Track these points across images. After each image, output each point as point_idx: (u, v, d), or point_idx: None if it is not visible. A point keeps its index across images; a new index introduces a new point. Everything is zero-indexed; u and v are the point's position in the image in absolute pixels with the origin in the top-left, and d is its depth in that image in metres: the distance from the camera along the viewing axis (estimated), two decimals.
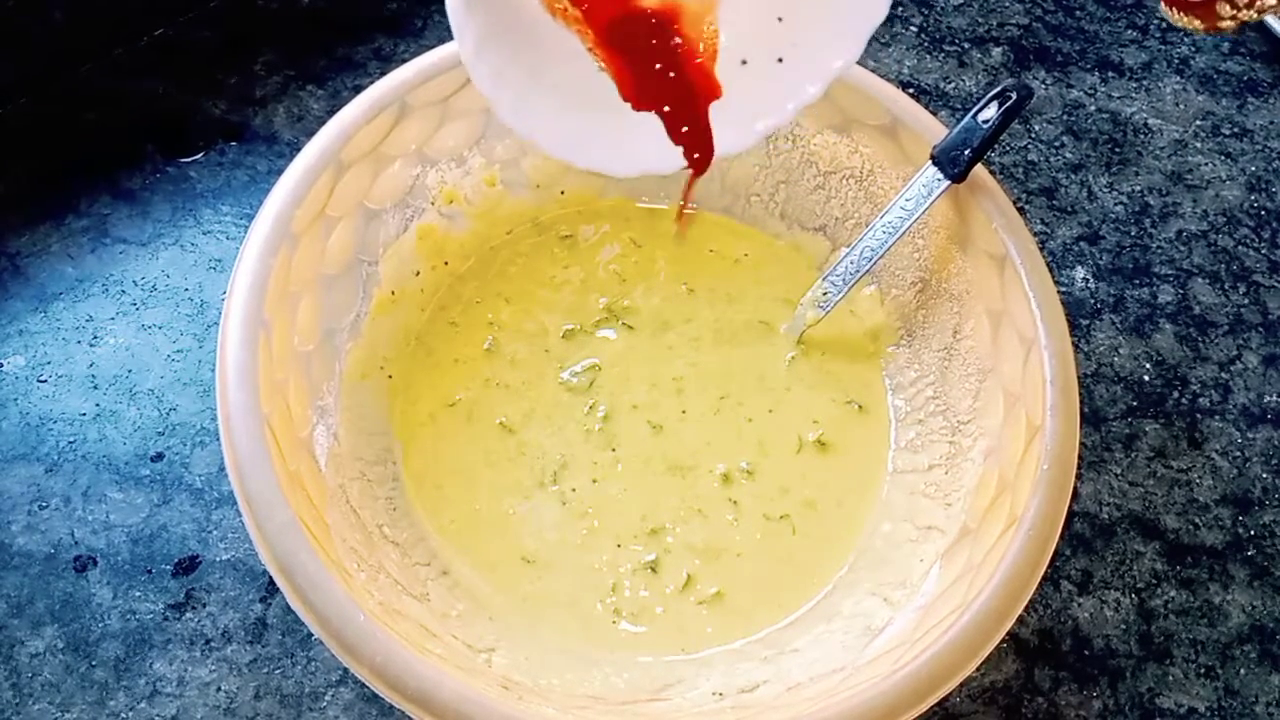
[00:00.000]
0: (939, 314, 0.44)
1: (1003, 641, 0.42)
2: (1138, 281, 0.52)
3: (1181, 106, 0.57)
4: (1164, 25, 0.60)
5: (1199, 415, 0.48)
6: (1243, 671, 0.43)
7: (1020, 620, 0.43)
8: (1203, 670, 0.43)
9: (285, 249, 0.38)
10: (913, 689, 0.32)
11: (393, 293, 0.45)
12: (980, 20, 0.59)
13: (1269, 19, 0.58)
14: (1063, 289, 0.51)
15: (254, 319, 0.36)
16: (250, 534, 0.33)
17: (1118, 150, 0.56)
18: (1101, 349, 0.50)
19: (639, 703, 0.37)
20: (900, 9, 0.59)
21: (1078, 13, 0.60)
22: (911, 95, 0.52)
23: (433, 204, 0.45)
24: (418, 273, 0.46)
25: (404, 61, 0.42)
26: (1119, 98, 0.57)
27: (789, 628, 0.41)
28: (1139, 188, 0.54)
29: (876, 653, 0.36)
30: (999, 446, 0.39)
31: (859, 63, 0.44)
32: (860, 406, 0.45)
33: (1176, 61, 0.59)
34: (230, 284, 0.37)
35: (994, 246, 0.41)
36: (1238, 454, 0.48)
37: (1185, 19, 0.34)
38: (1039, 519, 0.35)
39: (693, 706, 0.37)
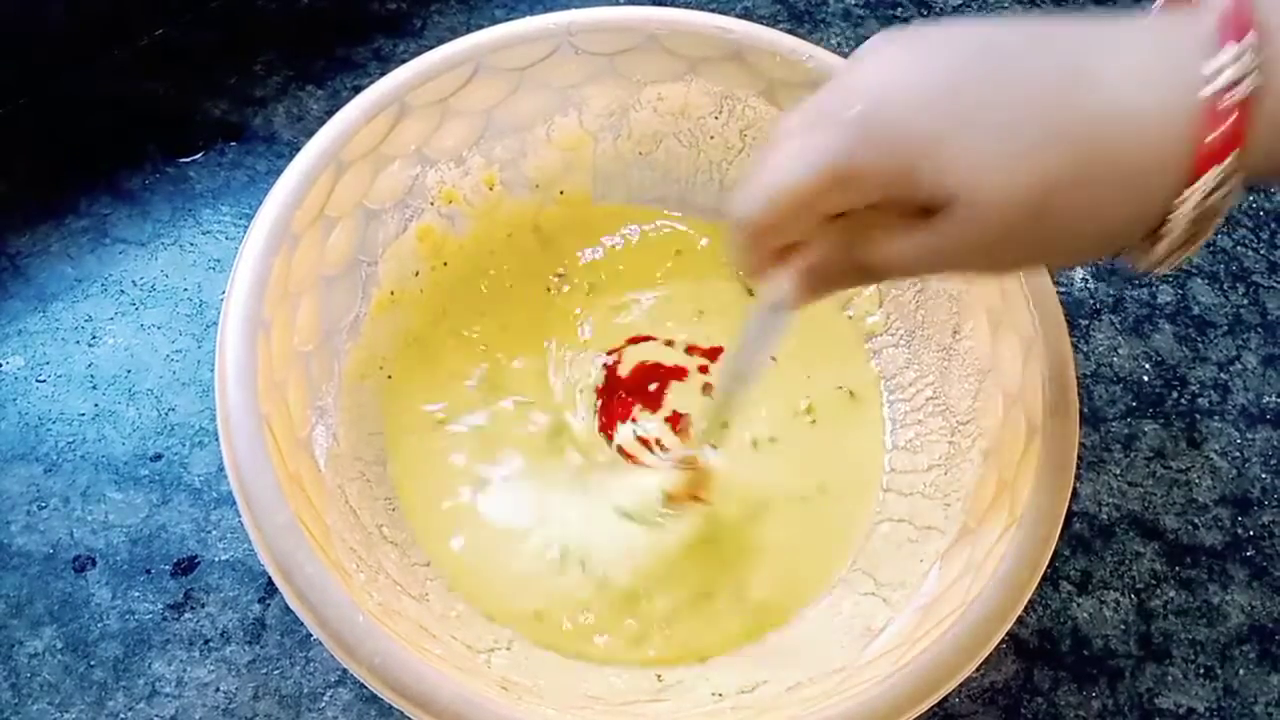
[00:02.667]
0: (938, 314, 0.44)
1: (1002, 642, 0.42)
2: (1137, 282, 0.52)
3: None
4: None
5: (1198, 415, 0.48)
6: (1242, 672, 0.43)
7: (1020, 620, 0.43)
8: (1202, 670, 0.43)
9: (285, 249, 0.38)
10: (913, 689, 0.32)
11: (392, 293, 0.45)
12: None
13: None
14: (1062, 289, 0.51)
15: (254, 319, 0.36)
16: (250, 534, 0.33)
17: None
18: (1101, 349, 0.50)
19: (639, 703, 0.37)
20: (900, 9, 0.59)
21: (1077, 14, 0.60)
22: None
23: (432, 204, 0.45)
24: (417, 273, 0.46)
25: (404, 61, 0.42)
26: None
27: (789, 628, 0.40)
28: None
29: (876, 653, 0.36)
30: (998, 446, 0.39)
31: None
32: (856, 402, 0.45)
33: None
34: (230, 284, 0.37)
35: None
36: (1237, 454, 0.48)
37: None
38: (1038, 519, 0.35)
39: (693, 706, 0.37)
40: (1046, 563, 0.35)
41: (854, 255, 0.29)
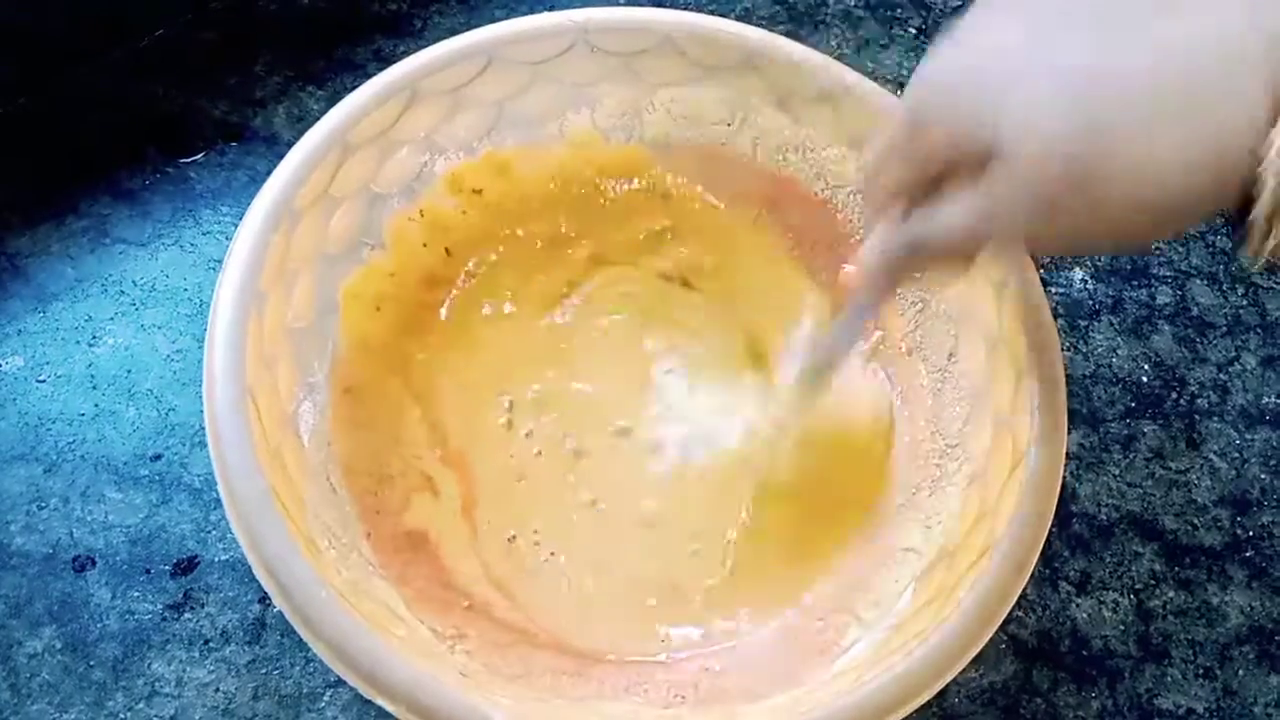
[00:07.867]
0: (935, 335, 0.43)
1: (1001, 642, 0.42)
2: (1136, 282, 0.52)
3: None
4: None
5: (1197, 416, 0.48)
6: (1241, 672, 0.43)
7: (1019, 621, 0.43)
8: (1201, 671, 0.43)
9: (286, 225, 0.38)
10: (872, 709, 0.32)
11: (393, 276, 0.44)
12: None
13: None
14: (1061, 290, 0.51)
15: (248, 289, 0.36)
16: (223, 501, 0.33)
17: None
18: (1100, 350, 0.50)
19: (603, 700, 0.37)
20: (899, 10, 0.59)
21: None
22: None
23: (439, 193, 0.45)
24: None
25: None
26: None
27: (758, 641, 0.40)
28: None
29: (838, 671, 0.36)
30: (984, 472, 0.38)
31: (859, 68, 0.44)
32: (849, 416, 0.45)
33: None
34: (228, 255, 0.37)
35: (993, 270, 0.40)
36: (1236, 455, 0.48)
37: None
38: (1015, 547, 0.34)
39: (651, 708, 0.37)
40: (1019, 592, 0.34)
41: (916, 229, 0.30)
